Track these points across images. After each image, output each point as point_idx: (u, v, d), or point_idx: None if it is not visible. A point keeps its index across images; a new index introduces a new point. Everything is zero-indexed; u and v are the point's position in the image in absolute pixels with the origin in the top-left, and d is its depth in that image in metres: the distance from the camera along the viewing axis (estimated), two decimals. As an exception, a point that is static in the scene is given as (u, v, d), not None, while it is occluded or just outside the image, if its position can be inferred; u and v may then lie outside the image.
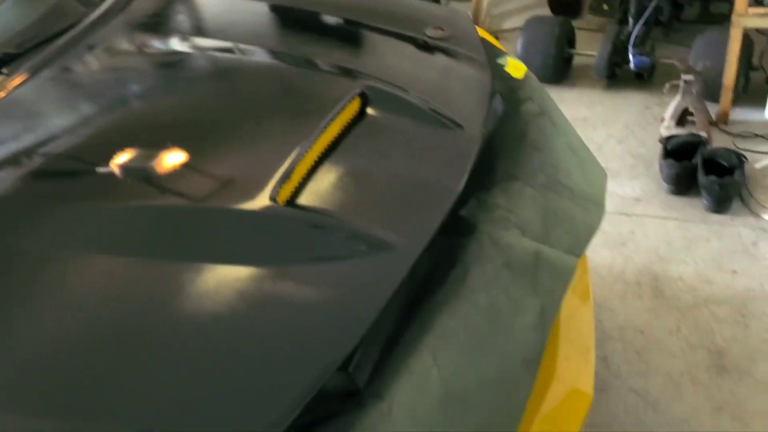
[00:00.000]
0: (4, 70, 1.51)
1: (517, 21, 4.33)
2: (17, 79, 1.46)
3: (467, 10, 4.21)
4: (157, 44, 1.68)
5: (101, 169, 1.21)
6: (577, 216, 1.27)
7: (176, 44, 1.65)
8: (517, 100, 1.51)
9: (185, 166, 1.20)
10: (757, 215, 2.60)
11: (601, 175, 1.53)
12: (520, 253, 1.14)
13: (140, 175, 1.17)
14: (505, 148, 1.33)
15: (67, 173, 1.28)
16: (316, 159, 1.18)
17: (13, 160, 1.30)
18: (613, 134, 3.22)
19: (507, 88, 1.54)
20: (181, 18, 1.86)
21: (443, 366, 0.98)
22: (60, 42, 1.58)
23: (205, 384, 0.89)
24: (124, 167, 1.19)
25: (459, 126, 1.27)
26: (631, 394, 1.93)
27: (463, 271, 1.08)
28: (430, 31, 1.63)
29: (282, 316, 0.96)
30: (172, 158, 1.22)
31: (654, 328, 2.15)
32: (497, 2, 4.68)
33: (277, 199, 1.08)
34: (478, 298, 1.06)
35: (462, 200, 1.17)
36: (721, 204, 2.64)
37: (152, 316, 0.97)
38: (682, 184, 2.75)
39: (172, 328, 0.96)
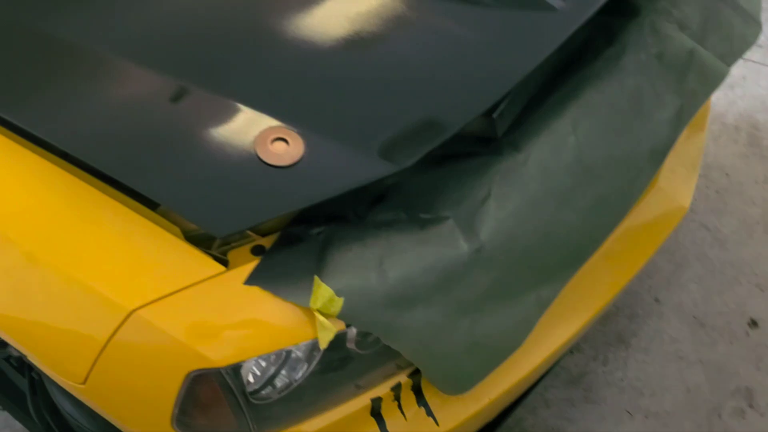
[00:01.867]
0: None
1: None
2: None
3: None
4: None
5: None
6: (735, 25, 1.21)
7: None
8: None
9: None
10: None
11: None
12: (675, 47, 1.11)
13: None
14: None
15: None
16: None
17: None
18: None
19: None
20: None
21: (580, 134, 1.01)
22: None
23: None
24: None
25: None
26: (702, 229, 1.97)
27: (618, 51, 1.07)
28: None
29: (437, 46, 0.98)
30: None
31: (740, 173, 2.14)
32: None
33: None
34: (626, 80, 1.06)
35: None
36: None
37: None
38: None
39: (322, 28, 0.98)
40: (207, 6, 1.03)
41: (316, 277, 0.83)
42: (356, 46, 0.98)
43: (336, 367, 0.93)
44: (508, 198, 0.94)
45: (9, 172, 0.92)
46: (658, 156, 1.08)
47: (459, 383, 0.96)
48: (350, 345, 0.91)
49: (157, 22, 1.01)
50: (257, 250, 0.88)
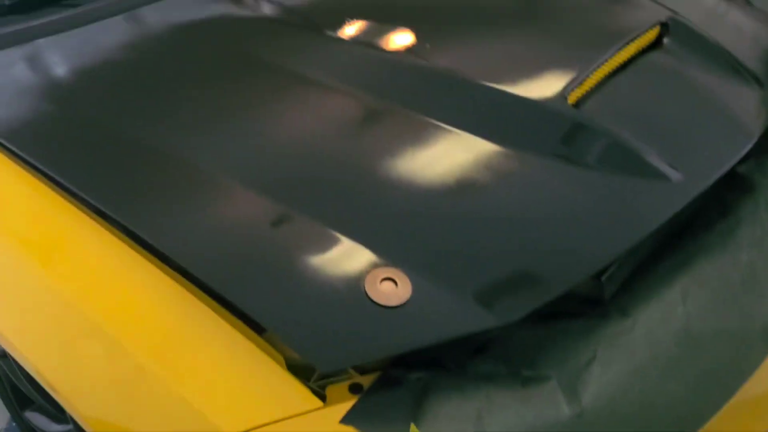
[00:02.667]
0: None
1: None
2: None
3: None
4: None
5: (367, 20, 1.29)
6: None
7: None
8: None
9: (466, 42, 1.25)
10: None
11: None
12: (792, 223, 1.10)
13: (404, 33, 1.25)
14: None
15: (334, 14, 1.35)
16: (609, 73, 1.18)
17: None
18: None
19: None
20: None
21: (690, 305, 0.99)
22: None
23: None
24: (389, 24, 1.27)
25: (759, 83, 1.22)
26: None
27: (732, 225, 1.06)
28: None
29: (547, 203, 1.00)
30: (441, 29, 1.29)
31: None
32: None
33: (568, 97, 1.10)
34: (740, 255, 1.04)
35: (743, 158, 1.13)
36: None
37: (390, 157, 1.04)
38: None
39: (411, 173, 1.03)
40: (321, 140, 1.10)
41: (413, 425, 0.82)
42: (465, 192, 1.01)
43: None
44: (613, 363, 0.92)
45: (129, 282, 0.97)
46: (769, 336, 1.04)
47: None
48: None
49: (275, 152, 1.08)
50: (355, 389, 0.88)
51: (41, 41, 1.22)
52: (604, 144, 1.06)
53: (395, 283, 0.89)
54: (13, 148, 1.04)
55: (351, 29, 1.28)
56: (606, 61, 1.16)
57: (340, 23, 1.30)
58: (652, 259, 1.04)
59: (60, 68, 1.21)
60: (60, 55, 1.22)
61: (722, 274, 1.02)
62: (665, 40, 1.26)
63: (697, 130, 1.12)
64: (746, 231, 1.06)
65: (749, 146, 1.09)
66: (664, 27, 1.28)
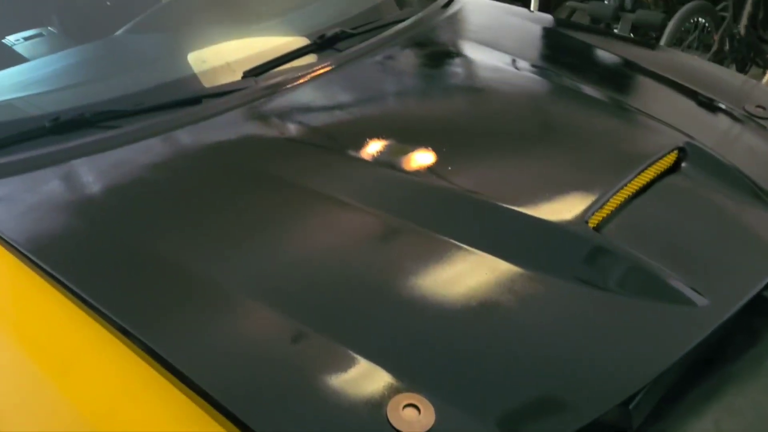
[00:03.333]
0: (339, 46, 1.69)
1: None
2: (342, 57, 1.62)
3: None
4: (462, 52, 1.78)
5: (391, 142, 1.33)
6: None
7: (487, 58, 1.73)
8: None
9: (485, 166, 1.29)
10: None
11: None
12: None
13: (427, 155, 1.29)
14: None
15: (359, 137, 1.39)
16: (628, 196, 1.19)
17: (317, 118, 1.47)
18: None
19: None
20: (492, 33, 1.93)
21: (723, 437, 0.95)
22: (383, 34, 1.73)
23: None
24: (411, 145, 1.31)
25: (779, 207, 1.22)
26: None
27: (762, 352, 1.04)
28: (750, 107, 1.58)
29: (570, 327, 0.99)
30: (460, 150, 1.32)
31: None
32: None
33: (589, 221, 1.11)
34: (772, 383, 1.01)
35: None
36: None
37: (417, 279, 1.04)
38: None
39: (440, 296, 1.03)
40: (342, 260, 1.10)
41: None
42: (488, 315, 1.00)
43: None
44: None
45: (146, 400, 0.96)
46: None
47: None
48: None
49: (296, 271, 1.08)
50: None
51: (77, 161, 1.26)
52: (626, 268, 1.06)
53: (418, 409, 0.87)
54: (39, 262, 1.06)
55: (373, 149, 1.32)
56: (626, 185, 1.18)
57: (363, 143, 1.34)
58: (680, 387, 1.01)
59: (92, 188, 1.25)
60: (93, 176, 1.26)
61: (755, 405, 0.99)
62: (683, 165, 1.28)
63: (720, 254, 1.12)
64: (777, 359, 1.04)
65: (771, 273, 1.08)
66: (682, 152, 1.30)
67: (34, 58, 1.55)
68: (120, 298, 1.02)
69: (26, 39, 1.64)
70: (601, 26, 3.97)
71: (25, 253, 1.07)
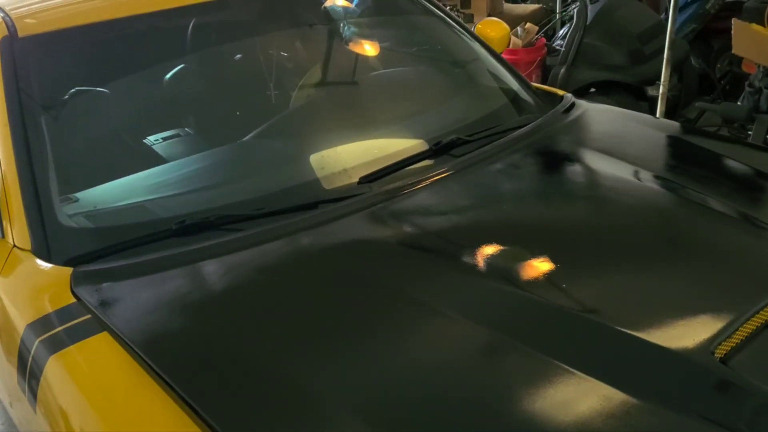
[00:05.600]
0: (455, 152, 1.70)
1: None
2: (458, 164, 1.63)
3: None
4: (581, 161, 1.74)
5: (499, 255, 1.31)
6: None
7: (598, 165, 1.69)
8: None
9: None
10: None
11: None
12: None
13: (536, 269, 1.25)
14: None
15: (467, 249, 1.37)
16: (760, 325, 1.09)
17: (429, 226, 1.47)
18: None
19: None
20: (609, 140, 1.88)
21: None
22: (499, 141, 1.72)
23: None
24: (521, 259, 1.29)
25: None
26: None
27: None
28: None
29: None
30: (571, 266, 1.27)
31: None
32: None
33: (715, 352, 1.02)
34: None
35: None
36: None
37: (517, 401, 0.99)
38: None
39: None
40: (440, 376, 1.07)
41: None
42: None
43: None
44: None
45: None
46: None
47: None
48: None
49: (393, 386, 1.06)
50: None
51: (198, 264, 1.32)
52: (757, 406, 0.96)
53: None
54: (150, 362, 1.09)
55: (484, 260, 1.30)
56: (758, 312, 1.09)
57: (475, 254, 1.32)
58: None
59: (208, 291, 1.30)
60: (212, 279, 1.31)
61: None
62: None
63: None
64: None
65: None
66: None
67: (162, 162, 1.65)
68: (221, 405, 1.03)
69: (164, 139, 1.77)
70: (735, 126, 3.81)
71: (139, 352, 1.11)
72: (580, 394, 1.00)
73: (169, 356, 1.12)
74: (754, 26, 3.65)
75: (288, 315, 1.21)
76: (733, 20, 3.58)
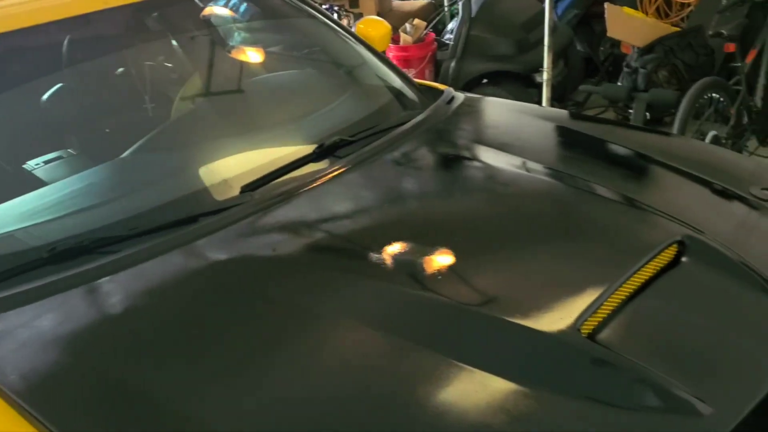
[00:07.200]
0: (339, 153, 1.70)
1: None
2: (343, 165, 1.63)
3: None
4: (461, 154, 1.78)
5: (388, 255, 1.31)
6: None
7: (479, 156, 1.73)
8: None
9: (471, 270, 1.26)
10: None
11: None
12: None
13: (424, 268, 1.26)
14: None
15: (357, 252, 1.38)
16: (624, 298, 1.14)
17: (317, 232, 1.45)
18: None
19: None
20: (488, 132, 1.94)
21: None
22: (383, 139, 1.72)
23: None
24: (409, 258, 1.29)
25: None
26: None
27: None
28: (756, 191, 1.53)
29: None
30: (457, 260, 1.29)
31: None
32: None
33: (581, 329, 1.06)
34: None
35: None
36: None
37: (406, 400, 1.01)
38: None
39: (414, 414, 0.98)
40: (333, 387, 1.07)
41: None
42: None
43: None
44: None
45: None
46: None
47: None
48: None
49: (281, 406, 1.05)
50: None
51: (71, 292, 1.26)
52: (622, 377, 1.01)
53: None
54: (23, 404, 1.04)
55: (372, 260, 1.31)
56: (620, 286, 1.14)
57: (358, 255, 1.33)
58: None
59: (80, 320, 1.25)
60: (83, 307, 1.27)
61: None
62: (683, 259, 1.23)
63: (723, 356, 1.06)
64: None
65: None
66: (682, 245, 1.25)
67: (36, 186, 1.58)
68: None
69: (38, 164, 1.68)
70: (620, 106, 3.98)
71: (7, 392, 1.06)
72: (462, 385, 1.03)
73: (41, 394, 1.07)
74: (626, 9, 3.83)
75: (169, 339, 1.17)
76: (606, 4, 3.74)
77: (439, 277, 1.24)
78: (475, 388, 1.02)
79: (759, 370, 1.03)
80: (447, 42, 4.28)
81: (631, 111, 3.56)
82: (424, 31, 4.33)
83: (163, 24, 2.14)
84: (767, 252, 1.31)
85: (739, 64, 3.35)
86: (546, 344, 1.06)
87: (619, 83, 3.79)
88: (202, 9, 2.25)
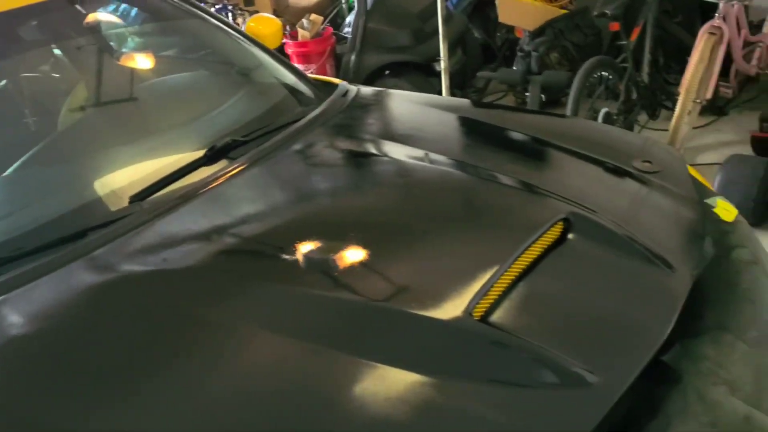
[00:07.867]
0: (232, 155, 1.67)
1: (712, 156, 4.14)
2: (237, 166, 1.59)
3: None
4: (358, 148, 1.77)
5: (287, 255, 1.29)
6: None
7: (375, 149, 1.74)
8: (728, 245, 1.42)
9: (373, 265, 1.25)
10: None
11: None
12: (728, 414, 1.04)
13: (322, 265, 1.25)
14: (714, 296, 1.25)
15: (255, 255, 1.36)
16: (514, 278, 1.17)
17: (212, 237, 1.42)
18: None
19: (717, 232, 1.46)
20: (383, 124, 1.94)
21: None
22: (277, 137, 1.70)
23: None
24: (308, 256, 1.27)
25: (668, 266, 1.22)
26: None
27: (663, 423, 1.01)
28: (638, 164, 1.60)
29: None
30: (356, 255, 1.29)
31: None
32: (693, 135, 4.53)
33: (473, 313, 1.08)
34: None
35: (666, 345, 1.10)
36: None
37: (316, 404, 1.00)
38: None
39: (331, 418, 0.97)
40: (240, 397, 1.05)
41: None
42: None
43: None
44: None
45: None
46: None
47: None
48: None
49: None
50: None
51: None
52: (515, 357, 1.03)
53: None
54: None
55: (270, 263, 1.29)
56: (509, 267, 1.16)
57: (253, 259, 1.31)
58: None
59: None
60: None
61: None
62: (569, 236, 1.27)
63: (609, 328, 1.10)
64: (679, 428, 1.00)
65: (664, 337, 1.07)
66: (567, 222, 1.29)
67: None
68: None
69: None
70: (518, 90, 4.08)
71: None
72: (370, 383, 1.02)
73: None
74: (515, -5, 3.93)
75: (61, 361, 1.12)
76: (495, -9, 3.82)
77: (337, 274, 1.24)
78: (375, 383, 1.02)
79: (644, 338, 1.07)
80: (346, 36, 4.27)
81: (528, 94, 3.66)
82: (322, 26, 4.31)
83: (44, 32, 2.04)
84: (648, 222, 1.37)
85: (625, 42, 3.49)
86: (442, 331, 1.07)
87: (514, 68, 3.88)
88: (86, 15, 2.16)
